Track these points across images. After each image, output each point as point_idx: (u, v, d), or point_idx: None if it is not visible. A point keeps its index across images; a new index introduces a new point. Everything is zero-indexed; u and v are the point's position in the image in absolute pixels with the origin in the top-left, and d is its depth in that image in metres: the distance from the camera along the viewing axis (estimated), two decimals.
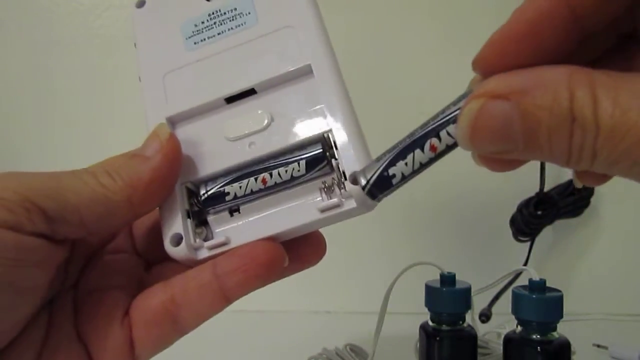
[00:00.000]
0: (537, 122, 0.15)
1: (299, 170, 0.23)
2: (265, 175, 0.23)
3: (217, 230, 0.24)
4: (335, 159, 0.23)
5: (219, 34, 0.27)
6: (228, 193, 0.24)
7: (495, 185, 0.59)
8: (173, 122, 0.26)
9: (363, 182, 0.21)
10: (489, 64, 0.17)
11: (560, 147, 0.15)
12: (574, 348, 0.37)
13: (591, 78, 0.15)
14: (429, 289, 0.39)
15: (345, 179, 0.22)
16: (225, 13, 0.27)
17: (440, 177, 0.52)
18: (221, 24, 0.27)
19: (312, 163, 0.23)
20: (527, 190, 0.55)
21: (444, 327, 0.39)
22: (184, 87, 0.26)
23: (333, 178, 0.23)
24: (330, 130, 0.23)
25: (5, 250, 0.18)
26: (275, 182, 0.23)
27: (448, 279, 0.39)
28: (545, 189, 0.54)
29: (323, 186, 0.23)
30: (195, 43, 0.27)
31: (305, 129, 0.24)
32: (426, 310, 0.40)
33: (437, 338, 0.39)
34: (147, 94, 0.26)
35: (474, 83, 0.19)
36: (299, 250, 0.24)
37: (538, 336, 0.36)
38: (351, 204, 0.22)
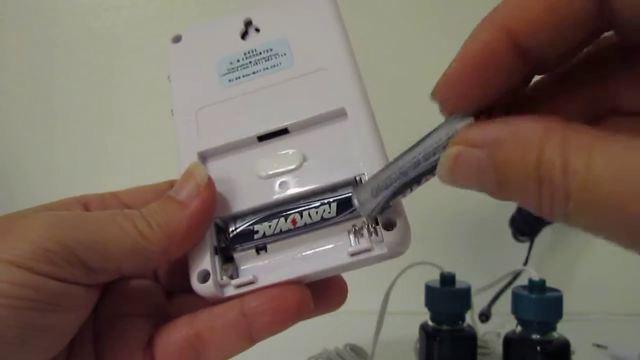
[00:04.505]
0: (507, 176, 0.15)
1: (329, 212, 0.23)
2: (296, 215, 0.23)
3: (243, 268, 0.24)
4: None
5: (254, 72, 0.27)
6: (257, 231, 0.24)
7: None
8: (204, 156, 0.26)
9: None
10: (445, 97, 0.18)
11: (530, 203, 0.15)
12: (574, 348, 0.37)
13: (565, 136, 0.14)
14: (429, 289, 0.39)
15: (377, 223, 0.22)
16: (260, 53, 0.27)
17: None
18: (256, 63, 0.27)
19: (343, 206, 0.23)
20: None
21: (444, 327, 0.39)
22: (217, 123, 0.26)
23: (363, 221, 0.23)
24: (363, 174, 0.23)
25: (46, 296, 0.19)
26: (305, 223, 0.23)
27: (448, 279, 0.39)
28: None
29: (353, 229, 0.23)
30: (230, 80, 0.27)
31: (338, 171, 0.24)
32: (426, 310, 0.40)
33: (437, 338, 0.39)
34: (179, 128, 0.27)
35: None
36: (323, 293, 0.24)
37: (538, 336, 0.36)
38: (382, 249, 0.22)
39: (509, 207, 0.56)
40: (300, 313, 0.22)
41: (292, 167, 0.24)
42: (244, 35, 0.28)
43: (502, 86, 0.17)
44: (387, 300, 0.41)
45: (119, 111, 0.65)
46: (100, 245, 0.20)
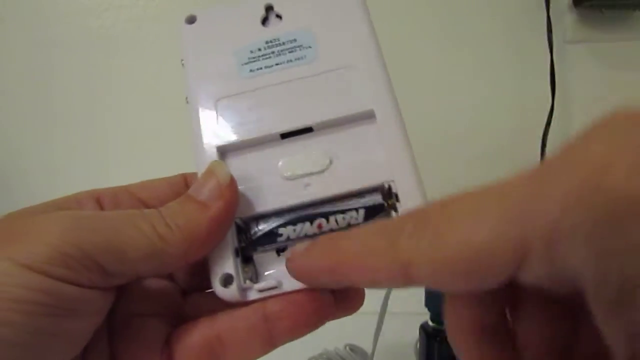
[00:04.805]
0: None
1: (356, 219, 0.23)
2: (322, 220, 0.23)
3: (263, 270, 0.23)
4: (396, 211, 0.22)
5: (276, 64, 0.25)
6: (281, 234, 0.23)
7: None
8: (223, 151, 0.24)
9: None
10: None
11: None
12: None
13: None
14: (429, 289, 0.39)
15: None
16: (284, 43, 0.26)
17: (440, 177, 0.52)
18: (279, 55, 0.26)
19: (372, 212, 0.23)
20: None
21: (444, 327, 0.39)
22: (237, 116, 0.25)
23: None
24: (392, 181, 0.23)
25: (61, 301, 0.18)
26: (331, 229, 0.23)
27: None
28: None
29: None
30: (251, 71, 0.26)
31: (365, 175, 0.23)
32: (426, 310, 0.40)
33: (437, 338, 0.39)
34: (196, 118, 0.25)
35: None
36: (342, 296, 0.23)
37: None
38: None
39: None
40: (323, 318, 0.21)
41: (318, 169, 0.23)
42: (264, 21, 0.27)
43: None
44: (387, 300, 0.41)
45: (119, 111, 0.65)
46: (118, 249, 0.20)
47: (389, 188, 0.23)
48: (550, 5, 0.59)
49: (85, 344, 0.20)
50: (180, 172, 0.26)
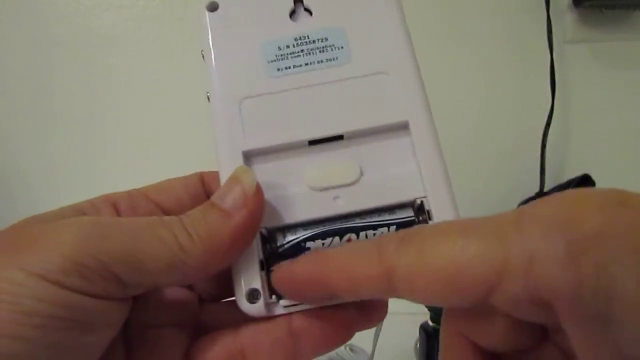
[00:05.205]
0: None
1: None
2: (352, 235, 0.22)
3: None
4: None
5: (306, 64, 0.24)
6: (309, 248, 0.22)
7: (495, 186, 0.59)
8: (248, 156, 0.23)
9: None
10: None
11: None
12: None
13: None
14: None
15: None
16: (314, 42, 0.24)
17: None
18: (309, 54, 0.24)
19: (403, 228, 0.22)
20: (527, 191, 0.55)
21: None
22: (264, 119, 0.23)
23: None
24: (425, 197, 0.22)
25: (77, 314, 0.18)
26: None
27: None
28: (545, 189, 0.55)
29: None
30: (278, 69, 0.24)
31: (397, 190, 0.22)
32: (426, 310, 0.40)
33: (437, 338, 0.39)
34: (220, 119, 0.23)
35: None
36: (365, 309, 0.22)
37: None
38: None
39: (509, 207, 0.56)
40: (349, 332, 0.21)
41: (349, 181, 0.22)
42: (291, 14, 0.25)
43: None
44: (387, 301, 0.41)
45: (119, 111, 0.65)
46: (136, 258, 0.19)
47: (421, 204, 0.22)
48: (550, 5, 0.59)
49: (99, 356, 0.19)
50: (180, 172, 0.25)
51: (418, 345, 0.42)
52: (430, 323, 0.40)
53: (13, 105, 0.67)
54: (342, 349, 0.44)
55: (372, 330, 0.41)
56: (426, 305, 0.17)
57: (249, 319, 0.21)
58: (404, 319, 0.43)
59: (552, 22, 0.59)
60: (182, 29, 0.63)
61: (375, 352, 0.42)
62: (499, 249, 0.14)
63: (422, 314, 0.40)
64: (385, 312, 0.23)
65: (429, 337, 0.39)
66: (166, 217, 0.20)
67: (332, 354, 0.43)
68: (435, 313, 0.39)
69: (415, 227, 0.17)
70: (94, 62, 0.65)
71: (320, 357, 0.43)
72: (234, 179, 0.21)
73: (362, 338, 0.45)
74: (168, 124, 0.66)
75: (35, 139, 0.67)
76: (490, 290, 0.14)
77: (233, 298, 0.21)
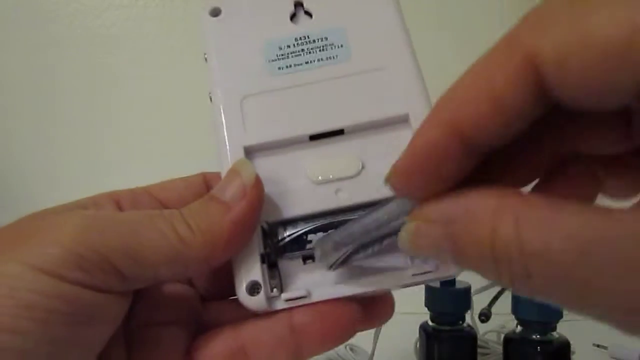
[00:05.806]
0: (463, 253, 0.15)
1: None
2: None
3: (289, 278, 0.22)
4: None
5: (307, 62, 0.25)
6: (310, 241, 0.22)
7: None
8: (250, 152, 0.23)
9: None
10: (397, 187, 0.17)
11: (490, 278, 0.15)
12: (574, 348, 0.37)
13: (518, 215, 0.14)
14: (429, 289, 0.39)
15: None
16: (314, 41, 0.25)
17: None
18: (310, 53, 0.25)
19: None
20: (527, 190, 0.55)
21: (444, 327, 0.39)
22: (265, 115, 0.24)
23: None
24: None
25: (77, 308, 0.17)
26: None
27: (448, 279, 0.39)
28: None
29: None
30: (279, 68, 0.25)
31: None
32: (426, 310, 0.40)
33: (437, 338, 0.39)
34: (221, 116, 0.24)
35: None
36: (370, 307, 0.22)
37: (538, 336, 0.36)
38: (451, 269, 0.21)
39: None
40: (353, 329, 0.21)
41: (350, 174, 0.23)
42: (292, 17, 0.26)
43: (453, 175, 0.16)
44: None
45: (119, 111, 0.65)
46: (136, 251, 0.19)
47: None
48: None
49: (99, 351, 0.19)
50: (182, 172, 0.25)
51: (418, 345, 0.42)
52: (430, 323, 0.40)
53: (13, 105, 0.67)
54: (342, 349, 0.44)
55: (372, 330, 0.41)
56: (569, 103, 0.14)
57: (250, 317, 0.21)
58: (404, 319, 0.43)
59: None
60: (182, 29, 0.63)
61: (375, 352, 0.42)
62: None
63: (422, 314, 0.40)
64: (391, 311, 0.23)
65: (429, 337, 0.39)
66: (166, 210, 0.20)
67: (332, 353, 0.43)
68: (435, 313, 0.39)
69: (535, 10, 0.14)
70: (94, 62, 0.65)
71: (320, 357, 0.43)
72: (233, 171, 0.21)
73: (362, 338, 0.45)
74: (168, 124, 0.66)
75: (35, 139, 0.67)
76: None
77: (235, 297, 0.21)
